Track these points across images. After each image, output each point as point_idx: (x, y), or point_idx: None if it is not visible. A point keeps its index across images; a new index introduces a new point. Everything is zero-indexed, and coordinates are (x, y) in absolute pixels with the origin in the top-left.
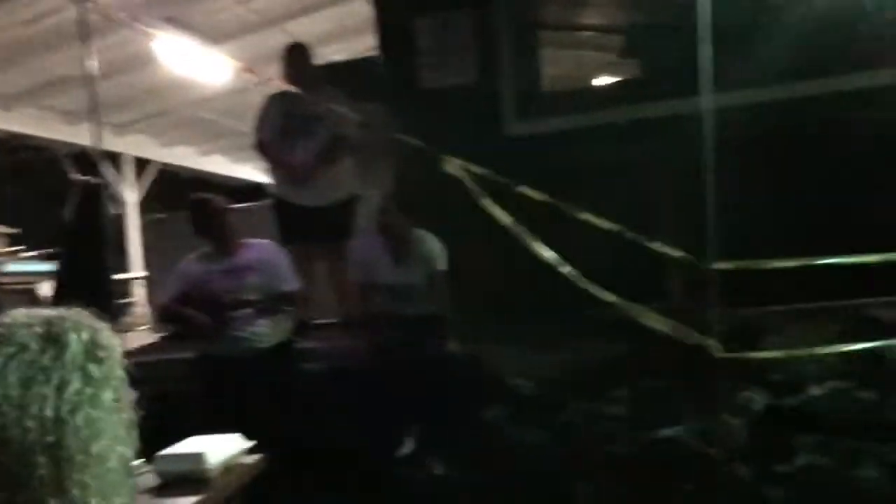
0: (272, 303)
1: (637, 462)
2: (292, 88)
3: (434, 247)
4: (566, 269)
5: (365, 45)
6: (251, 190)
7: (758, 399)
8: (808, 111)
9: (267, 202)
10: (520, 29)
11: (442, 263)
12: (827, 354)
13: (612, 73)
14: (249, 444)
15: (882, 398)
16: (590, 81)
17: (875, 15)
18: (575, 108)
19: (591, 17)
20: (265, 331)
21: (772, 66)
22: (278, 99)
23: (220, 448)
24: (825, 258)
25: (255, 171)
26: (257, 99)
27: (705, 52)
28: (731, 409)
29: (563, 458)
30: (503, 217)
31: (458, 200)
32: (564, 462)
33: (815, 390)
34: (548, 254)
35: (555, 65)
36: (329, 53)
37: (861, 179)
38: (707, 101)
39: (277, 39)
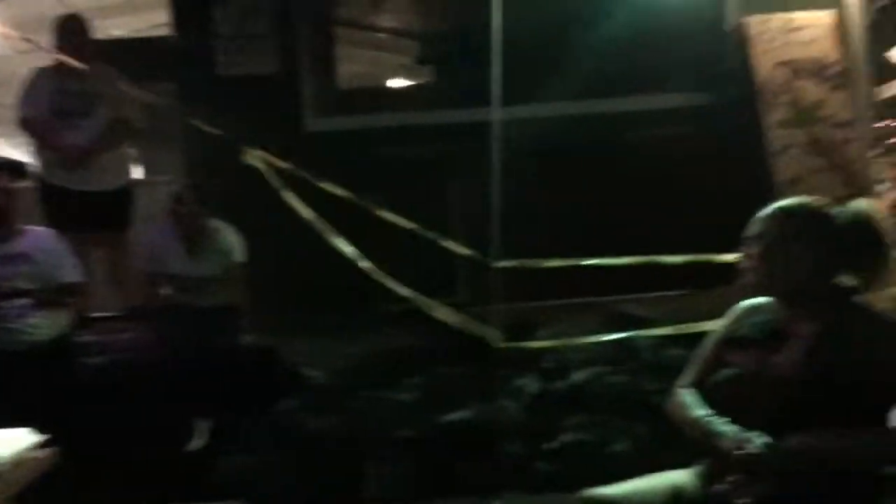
0: (50, 294)
1: (426, 443)
2: (67, 63)
3: (231, 238)
4: (364, 264)
5: (154, 21)
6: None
7: (532, 384)
8: (593, 127)
9: (30, 184)
10: (320, 24)
11: (238, 255)
12: (589, 344)
13: (409, 76)
14: (39, 438)
15: (632, 381)
16: (387, 82)
17: (657, 42)
18: (373, 108)
19: (391, 21)
20: (42, 323)
21: (561, 83)
22: (49, 73)
23: (7, 443)
24: (589, 259)
25: (12, 148)
26: (21, 68)
27: (496, 64)
28: (510, 394)
29: (355, 441)
30: (303, 211)
31: (258, 192)
32: (356, 445)
33: (579, 375)
34: (347, 248)
35: (355, 63)
36: (112, 27)
37: (632, 192)
38: (497, 111)
39: (50, 4)
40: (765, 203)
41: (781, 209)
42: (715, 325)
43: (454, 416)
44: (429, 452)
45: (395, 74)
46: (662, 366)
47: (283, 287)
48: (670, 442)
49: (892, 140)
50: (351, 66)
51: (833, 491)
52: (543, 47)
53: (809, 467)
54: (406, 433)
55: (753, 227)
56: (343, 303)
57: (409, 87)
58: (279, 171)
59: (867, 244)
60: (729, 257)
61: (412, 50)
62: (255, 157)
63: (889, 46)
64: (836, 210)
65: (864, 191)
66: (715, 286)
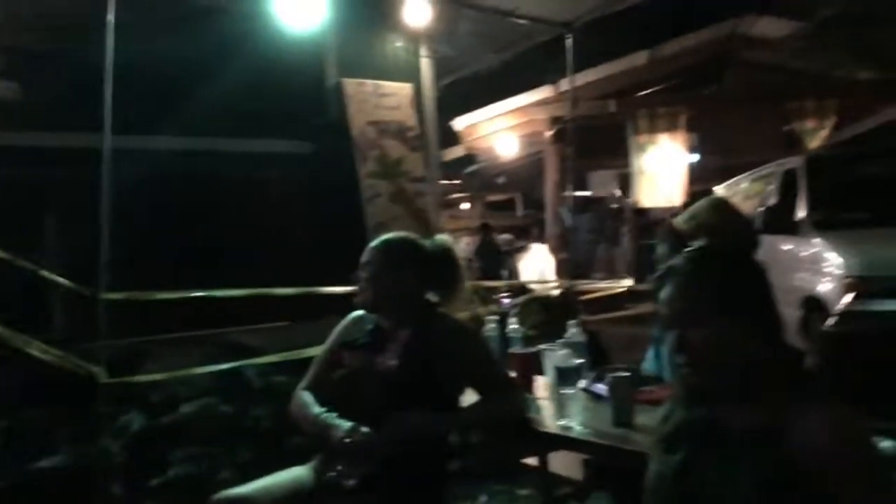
0: None
1: (14, 494)
2: None
3: None
4: None
5: None
6: None
7: (137, 419)
8: (206, 164)
9: None
10: None
11: None
12: (198, 375)
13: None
14: None
15: (239, 410)
16: None
17: (267, 90)
18: None
19: None
20: None
21: (175, 119)
22: None
23: None
24: (200, 291)
25: None
26: None
27: (108, 91)
28: (112, 432)
29: None
30: None
31: None
32: None
33: (187, 407)
34: None
35: None
36: None
37: (241, 228)
38: (108, 139)
39: None
40: (360, 243)
41: (385, 241)
42: (318, 351)
43: (46, 462)
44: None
45: None
46: (272, 392)
47: None
48: (276, 464)
49: (450, 196)
50: None
51: (413, 471)
52: (162, 82)
53: (403, 446)
54: None
55: (364, 256)
56: None
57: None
58: None
59: (448, 269)
60: (332, 290)
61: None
62: None
63: (453, 117)
64: (426, 243)
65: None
66: (320, 316)
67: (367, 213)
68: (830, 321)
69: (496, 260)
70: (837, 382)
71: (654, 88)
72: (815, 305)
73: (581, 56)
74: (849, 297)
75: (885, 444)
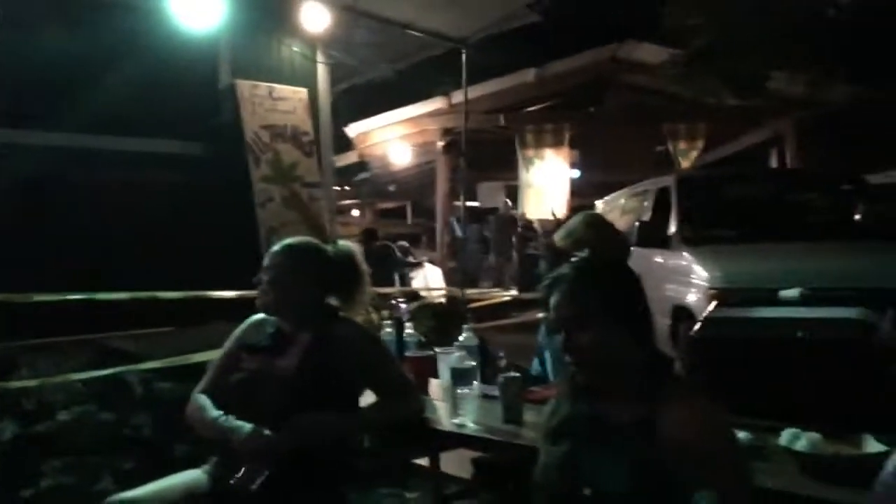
0: None
1: None
2: None
3: None
4: None
5: None
6: None
7: (9, 428)
8: (91, 163)
9: None
10: None
11: None
12: (77, 381)
13: None
14: None
15: (119, 418)
16: None
17: (158, 90)
18: None
19: None
20: None
21: (59, 115)
22: None
23: None
24: (79, 294)
25: None
26: None
27: None
28: None
29: None
30: None
31: None
32: None
33: (64, 415)
34: None
35: None
36: None
37: (128, 230)
38: None
39: None
40: (251, 248)
41: (288, 245)
42: (205, 357)
43: None
44: None
45: None
46: (155, 399)
47: None
48: (159, 473)
49: (341, 202)
50: None
51: (313, 472)
52: (45, 76)
53: (303, 447)
54: None
55: (267, 260)
56: None
57: None
58: None
59: (350, 275)
60: (220, 294)
61: None
62: None
63: (347, 123)
64: (328, 248)
65: (329, 241)
66: (207, 321)
67: (260, 217)
68: (696, 327)
69: (383, 266)
70: (702, 381)
71: (541, 105)
72: (683, 314)
73: (473, 71)
74: (713, 306)
75: (742, 435)
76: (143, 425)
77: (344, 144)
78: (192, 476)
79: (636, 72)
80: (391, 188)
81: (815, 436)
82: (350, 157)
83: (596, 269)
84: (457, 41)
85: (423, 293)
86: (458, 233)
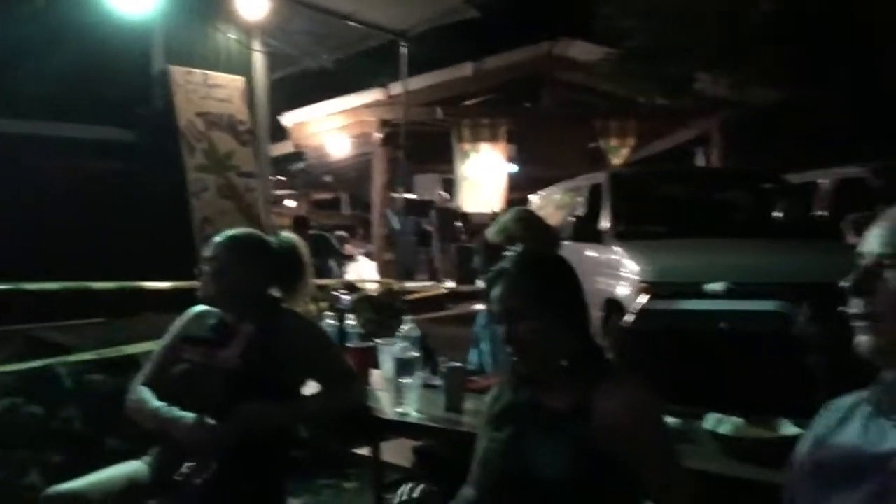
0: None
1: None
2: None
3: None
4: None
5: None
6: None
7: None
8: (10, 149)
9: None
10: None
11: None
12: (2, 373)
13: None
14: None
15: (48, 411)
16: None
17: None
18: None
19: None
20: None
21: None
22: None
23: None
24: (6, 284)
25: None
26: None
27: None
28: None
29: None
30: None
31: None
32: None
33: None
34: None
35: None
36: None
37: (55, 219)
38: None
39: None
40: (184, 238)
41: (230, 236)
42: (137, 349)
43: None
44: None
45: None
46: (85, 391)
47: None
48: (90, 466)
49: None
50: None
51: (255, 462)
52: None
53: (246, 437)
54: None
55: (208, 251)
56: None
57: None
58: None
59: (293, 266)
60: (154, 285)
61: None
62: None
63: (282, 112)
64: (271, 239)
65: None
66: (138, 312)
67: (194, 207)
68: (627, 319)
69: (318, 256)
70: (634, 370)
71: (478, 99)
72: (615, 306)
73: (412, 63)
74: (643, 299)
75: (671, 420)
76: (73, 418)
77: (279, 134)
78: (132, 467)
79: (571, 69)
80: (327, 179)
81: (737, 420)
82: (286, 147)
83: (536, 262)
84: (396, 33)
85: (359, 285)
86: (395, 225)
